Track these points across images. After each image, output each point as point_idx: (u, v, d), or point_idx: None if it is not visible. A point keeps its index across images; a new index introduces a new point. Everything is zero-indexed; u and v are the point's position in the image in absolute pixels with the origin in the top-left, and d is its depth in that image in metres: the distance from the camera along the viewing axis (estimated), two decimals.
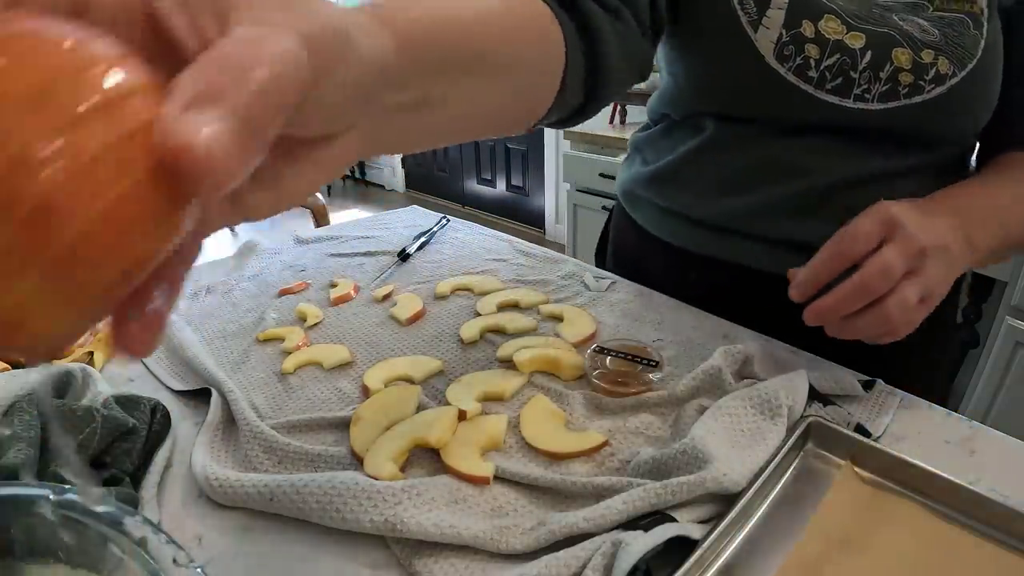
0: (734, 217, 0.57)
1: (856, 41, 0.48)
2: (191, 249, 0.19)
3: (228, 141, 0.15)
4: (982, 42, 0.48)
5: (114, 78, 0.15)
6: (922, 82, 0.48)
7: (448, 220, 0.90)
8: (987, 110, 0.52)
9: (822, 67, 0.48)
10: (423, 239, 0.81)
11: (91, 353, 0.55)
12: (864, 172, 0.53)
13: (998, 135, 0.55)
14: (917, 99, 0.49)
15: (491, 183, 4.28)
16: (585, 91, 0.42)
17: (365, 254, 0.80)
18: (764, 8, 0.48)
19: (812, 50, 0.48)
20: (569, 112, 0.43)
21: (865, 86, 0.49)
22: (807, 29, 0.48)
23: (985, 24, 0.49)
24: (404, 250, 0.77)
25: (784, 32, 0.48)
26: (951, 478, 0.36)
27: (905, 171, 0.53)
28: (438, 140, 0.32)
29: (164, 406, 0.45)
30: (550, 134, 3.55)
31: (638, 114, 2.46)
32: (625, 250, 0.72)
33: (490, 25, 0.33)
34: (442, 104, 0.29)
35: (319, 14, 0.19)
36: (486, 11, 0.33)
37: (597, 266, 0.75)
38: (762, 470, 0.36)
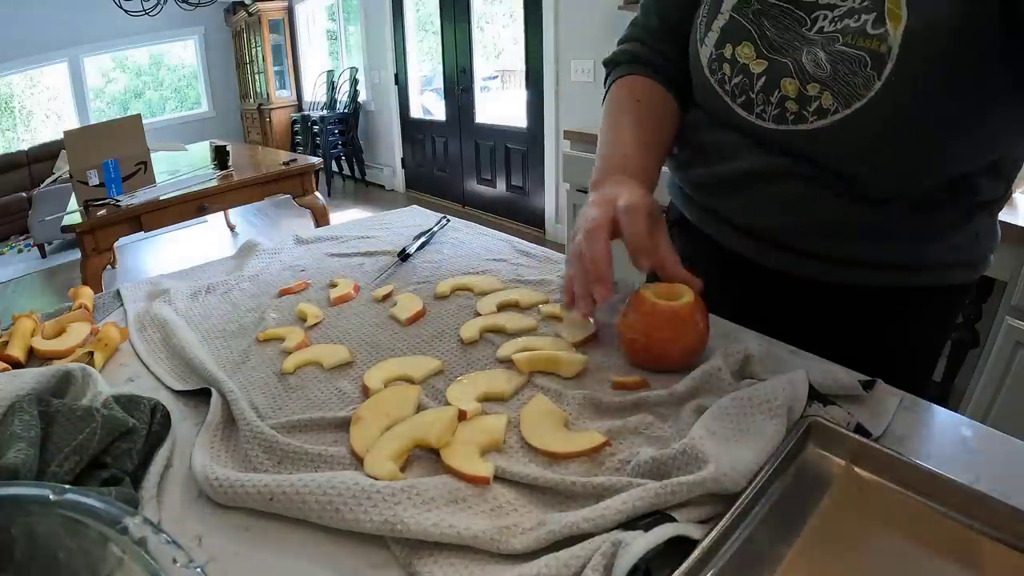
0: (694, 187, 0.67)
1: (758, 67, 0.54)
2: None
3: None
4: (878, 83, 0.47)
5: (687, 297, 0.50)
6: (805, 112, 0.52)
7: (448, 220, 0.90)
8: (895, 155, 0.50)
9: (732, 83, 0.57)
10: (423, 239, 0.81)
11: (91, 353, 0.55)
12: (774, 168, 0.56)
13: None
14: (802, 127, 0.52)
15: (491, 183, 4.28)
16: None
17: (365, 254, 0.80)
18: (707, 31, 0.59)
19: (727, 68, 0.57)
20: None
21: (761, 107, 0.55)
22: (727, 51, 0.57)
23: (889, 64, 0.46)
24: (404, 250, 0.77)
25: (714, 51, 0.58)
26: (951, 478, 0.36)
27: (809, 175, 0.54)
28: None
29: (164, 406, 0.45)
30: (550, 134, 3.55)
31: None
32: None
33: (658, 105, 0.66)
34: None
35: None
36: (659, 102, 0.67)
37: None
38: (762, 470, 0.37)
